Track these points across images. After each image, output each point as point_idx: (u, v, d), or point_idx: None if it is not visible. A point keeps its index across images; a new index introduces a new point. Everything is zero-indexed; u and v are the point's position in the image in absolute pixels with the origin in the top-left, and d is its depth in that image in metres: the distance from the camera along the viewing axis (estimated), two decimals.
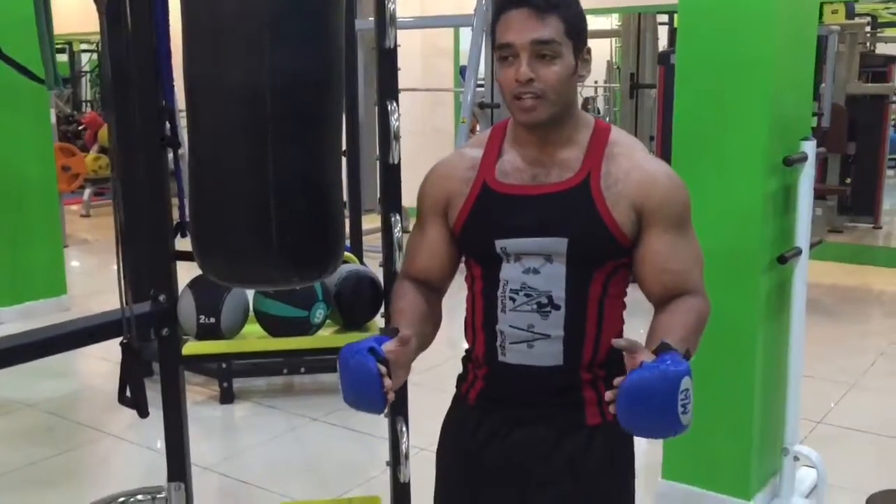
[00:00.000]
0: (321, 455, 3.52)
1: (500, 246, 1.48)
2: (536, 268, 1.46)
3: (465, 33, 7.07)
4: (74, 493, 3.08)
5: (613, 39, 9.68)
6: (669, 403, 1.23)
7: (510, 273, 1.48)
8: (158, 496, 2.42)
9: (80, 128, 10.12)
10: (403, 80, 8.10)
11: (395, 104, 2.28)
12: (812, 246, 2.87)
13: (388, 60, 2.29)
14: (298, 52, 1.65)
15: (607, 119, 10.22)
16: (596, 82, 10.84)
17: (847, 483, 3.06)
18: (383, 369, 1.34)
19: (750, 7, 2.58)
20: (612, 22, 9.47)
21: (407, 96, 7.33)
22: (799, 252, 2.78)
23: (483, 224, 1.50)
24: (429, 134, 7.86)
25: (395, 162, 2.28)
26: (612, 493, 1.57)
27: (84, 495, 2.58)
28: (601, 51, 10.64)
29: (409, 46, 7.23)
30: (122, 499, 2.42)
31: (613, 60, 10.11)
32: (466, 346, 1.59)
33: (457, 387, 1.65)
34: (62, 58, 11.81)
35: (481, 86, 6.52)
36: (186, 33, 1.73)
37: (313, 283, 1.76)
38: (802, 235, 2.79)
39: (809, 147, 2.75)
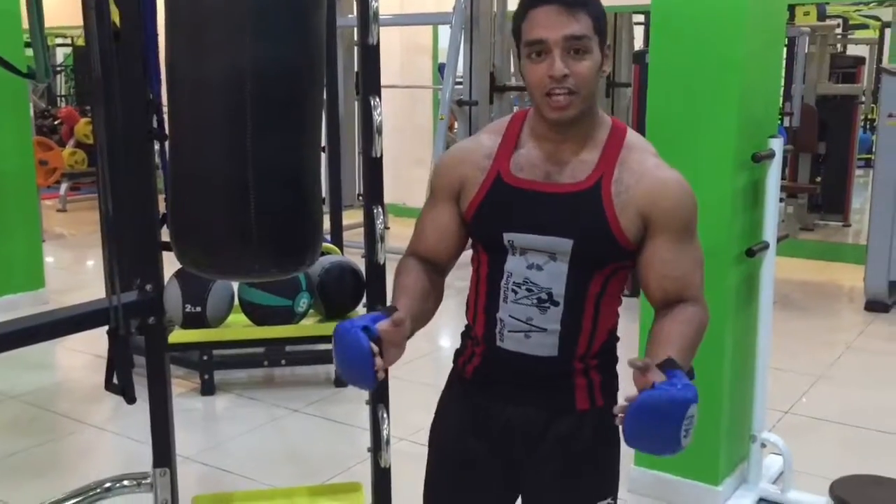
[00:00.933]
0: (302, 445, 3.58)
1: (507, 239, 1.51)
2: (540, 264, 1.49)
3: (444, 31, 7.14)
4: (56, 481, 3.11)
5: None
6: (674, 427, 1.28)
7: (514, 266, 1.51)
8: (144, 482, 2.47)
9: (55, 122, 10.06)
10: (383, 77, 8.08)
11: (377, 99, 2.34)
12: (779, 240, 2.97)
13: (371, 56, 2.35)
14: (279, 45, 1.65)
15: None
16: None
17: (812, 469, 3.17)
18: (375, 348, 1.37)
19: (721, 9, 2.67)
20: None
21: (386, 93, 7.39)
22: (766, 246, 2.87)
23: (493, 215, 1.52)
24: (407, 130, 7.92)
25: (378, 156, 2.34)
26: (598, 475, 1.62)
27: (66, 484, 2.62)
28: None
29: (389, 44, 7.26)
30: (108, 484, 2.45)
31: None
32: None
33: (454, 361, 1.68)
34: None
35: (460, 83, 6.58)
36: (169, 24, 1.73)
37: (291, 274, 1.79)
38: (770, 230, 2.89)
39: (777, 144, 2.84)
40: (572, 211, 1.48)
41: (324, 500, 2.68)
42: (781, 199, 7.94)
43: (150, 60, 2.29)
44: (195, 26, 1.72)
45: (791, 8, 7.33)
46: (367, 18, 2.28)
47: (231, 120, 1.68)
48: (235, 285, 2.44)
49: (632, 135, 1.54)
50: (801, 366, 4.52)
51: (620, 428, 1.33)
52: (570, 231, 1.47)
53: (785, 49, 8.41)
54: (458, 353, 1.68)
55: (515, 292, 1.51)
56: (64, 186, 8.87)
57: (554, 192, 1.49)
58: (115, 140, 2.41)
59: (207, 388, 4.01)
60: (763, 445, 3.04)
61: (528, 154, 1.53)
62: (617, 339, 1.61)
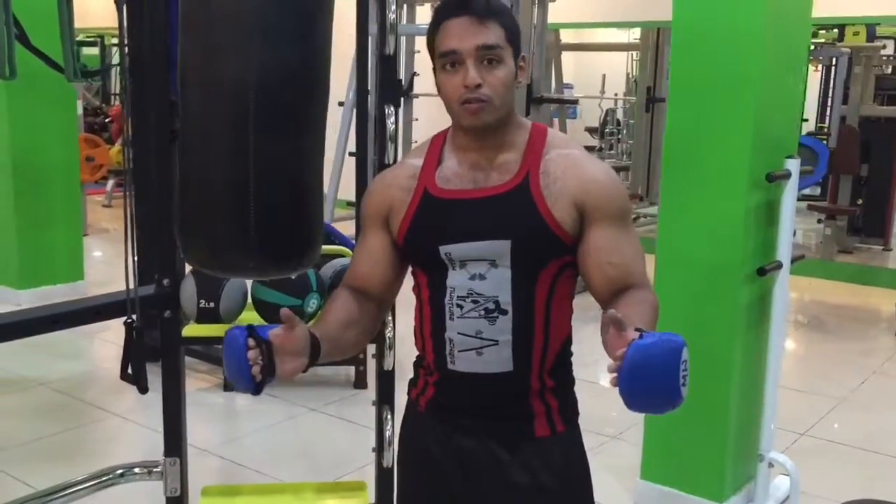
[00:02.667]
0: (316, 443, 3.65)
1: (444, 252, 1.48)
2: (482, 273, 1.46)
3: None
4: (78, 467, 3.20)
5: (632, 53, 9.77)
6: (672, 374, 1.19)
7: (456, 280, 1.48)
8: (155, 470, 2.55)
9: (106, 120, 10.34)
10: (422, 86, 8.24)
11: (391, 108, 2.41)
12: (794, 260, 2.97)
13: (387, 66, 2.42)
14: (284, 51, 1.72)
15: (624, 132, 10.30)
16: (616, 95, 10.92)
17: (822, 492, 3.15)
18: (252, 342, 1.31)
19: (737, 27, 2.69)
20: (629, 36, 9.57)
21: (423, 101, 7.48)
22: (780, 266, 2.87)
23: (426, 231, 1.50)
24: None
25: (391, 163, 2.41)
26: (571, 501, 1.58)
27: (87, 470, 2.70)
28: (620, 64, 10.73)
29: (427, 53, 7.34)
30: (120, 471, 2.54)
31: (632, 74, 10.19)
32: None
33: (408, 392, 1.64)
34: (93, 51, 12.05)
35: None
36: (182, 28, 1.82)
37: (290, 274, 1.84)
38: (784, 249, 2.88)
39: (793, 165, 2.84)
40: (504, 211, 1.46)
41: (328, 497, 2.74)
42: (819, 221, 7.91)
43: (175, 62, 2.38)
44: (205, 31, 1.79)
45: (841, 28, 7.26)
46: (385, 30, 2.35)
47: (234, 123, 1.75)
48: (249, 283, 2.52)
49: (553, 133, 1.54)
50: (825, 388, 4.49)
51: (620, 388, 1.20)
52: (506, 231, 1.45)
53: (827, 69, 8.34)
54: (411, 384, 1.64)
55: (461, 307, 1.47)
56: (110, 183, 9.10)
57: (483, 196, 1.48)
58: (142, 139, 2.52)
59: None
60: (771, 465, 3.03)
61: (452, 166, 1.52)
62: (571, 353, 1.57)
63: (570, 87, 10.87)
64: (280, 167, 1.74)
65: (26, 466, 3.27)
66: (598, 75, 10.77)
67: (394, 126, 2.39)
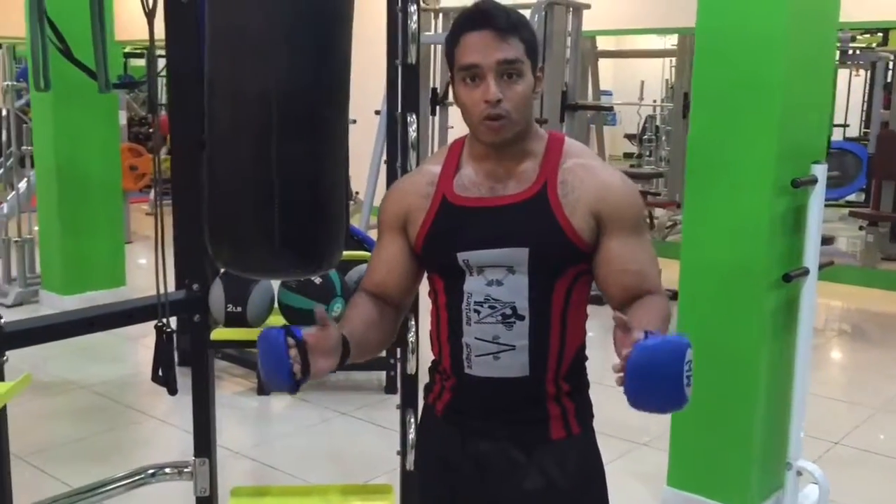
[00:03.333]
0: (346, 446, 3.70)
1: (462, 258, 1.49)
2: (499, 279, 1.48)
3: None
4: (116, 467, 3.28)
5: (671, 59, 9.71)
6: (676, 375, 1.23)
7: (474, 286, 1.49)
8: (185, 470, 2.62)
9: (150, 130, 10.55)
10: None
11: (413, 116, 2.45)
12: (821, 267, 2.94)
13: (409, 75, 2.46)
14: (305, 62, 1.76)
15: (662, 138, 10.23)
16: (655, 101, 10.87)
17: (853, 502, 3.11)
18: (291, 342, 1.35)
19: (760, 32, 2.68)
20: (666, 42, 9.52)
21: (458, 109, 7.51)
22: (806, 272, 2.85)
23: (444, 237, 1.52)
24: None
25: (410, 170, 2.45)
26: (587, 502, 1.60)
27: (122, 470, 2.79)
28: (659, 71, 10.67)
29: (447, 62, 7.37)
30: (151, 471, 2.61)
31: (670, 80, 10.13)
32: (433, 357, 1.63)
33: (424, 397, 1.67)
34: (141, 62, 12.31)
35: None
36: (209, 39, 1.89)
37: (312, 275, 1.90)
38: (811, 256, 2.86)
39: (820, 170, 2.82)
40: (523, 219, 1.48)
41: (355, 499, 2.78)
42: (861, 227, 7.77)
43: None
44: (229, 44, 1.86)
45: (885, 31, 7.15)
46: (407, 39, 2.39)
47: (258, 131, 1.81)
48: (276, 288, 2.58)
49: (570, 142, 1.55)
50: (862, 397, 4.43)
51: (625, 388, 1.25)
52: (524, 239, 1.47)
53: (872, 74, 8.21)
54: (427, 389, 1.66)
55: (478, 312, 1.49)
56: (154, 191, 9.29)
57: (501, 204, 1.50)
58: (176, 147, 2.60)
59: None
60: (800, 474, 3.00)
61: (469, 174, 1.54)
62: (586, 358, 1.59)
63: (609, 94, 10.84)
64: (302, 172, 1.80)
65: (65, 466, 3.37)
66: (637, 82, 10.73)
67: (415, 134, 2.44)
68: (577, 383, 1.57)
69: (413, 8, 2.38)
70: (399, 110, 2.50)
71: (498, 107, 1.44)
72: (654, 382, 1.24)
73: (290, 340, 1.35)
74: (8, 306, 5.57)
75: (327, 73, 1.85)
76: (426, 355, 1.71)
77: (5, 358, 2.06)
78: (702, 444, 2.99)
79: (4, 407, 2.03)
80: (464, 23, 1.47)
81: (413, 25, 2.38)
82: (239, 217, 1.84)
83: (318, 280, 2.45)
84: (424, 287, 1.66)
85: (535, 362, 1.50)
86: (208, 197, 1.95)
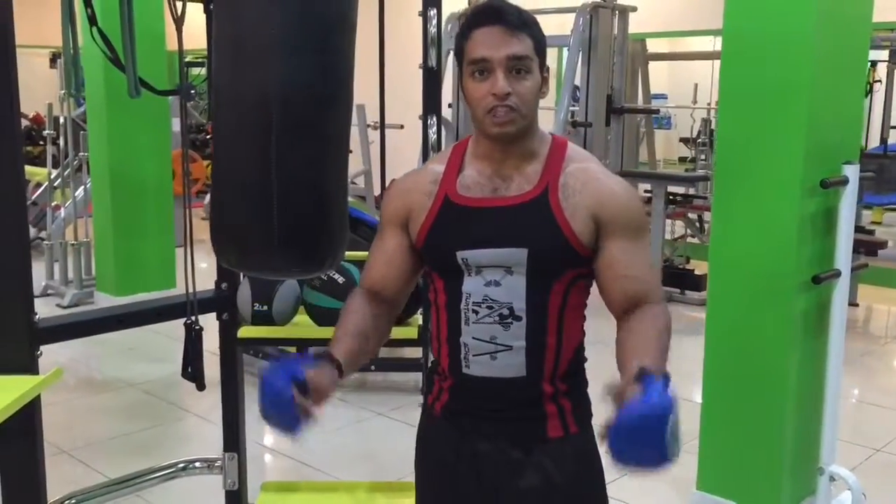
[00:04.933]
0: (379, 446, 3.75)
1: (461, 257, 1.51)
2: (497, 280, 1.49)
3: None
4: (157, 461, 3.41)
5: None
6: (658, 440, 1.24)
7: (472, 286, 1.51)
8: (215, 465, 2.70)
9: (207, 136, 10.80)
10: None
11: (434, 118, 2.50)
12: (855, 269, 2.89)
13: (431, 78, 2.51)
14: (303, 66, 1.80)
15: (716, 142, 10.09)
16: (708, 104, 10.71)
17: None
18: (298, 396, 1.35)
19: (789, 33, 2.66)
20: (716, 44, 9.39)
21: None
22: (837, 274, 2.81)
23: (445, 236, 1.53)
24: None
25: None
26: (584, 501, 1.60)
27: (162, 465, 2.89)
28: (709, 73, 10.52)
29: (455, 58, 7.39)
30: (182, 465, 2.70)
31: None
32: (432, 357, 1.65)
33: (423, 400, 1.70)
34: (198, 70, 12.61)
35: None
36: (212, 46, 1.95)
37: (312, 275, 1.94)
38: (843, 258, 2.82)
39: (851, 171, 2.78)
40: (523, 220, 1.49)
41: (380, 496, 2.83)
42: None
43: None
44: (231, 48, 1.90)
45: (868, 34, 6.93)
46: (427, 43, 2.44)
47: (258, 134, 1.85)
48: (300, 287, 2.65)
49: (572, 147, 1.56)
50: None
51: (609, 452, 1.28)
52: (523, 240, 1.48)
53: None
54: (427, 391, 1.68)
55: (476, 312, 1.51)
56: (208, 196, 9.51)
57: (503, 204, 1.51)
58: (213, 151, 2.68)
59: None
60: (833, 479, 2.95)
61: (473, 174, 1.55)
62: (585, 359, 1.60)
63: (663, 97, 10.73)
64: (301, 173, 1.83)
65: (108, 460, 3.49)
66: (691, 85, 10.59)
67: (436, 136, 2.48)
68: (574, 383, 1.58)
69: (433, 12, 2.43)
70: (423, 112, 2.55)
71: (505, 100, 1.45)
72: (636, 450, 1.27)
73: (296, 392, 1.35)
74: (64, 307, 5.77)
75: (326, 77, 1.89)
76: None
77: (39, 352, 2.14)
78: (731, 447, 2.96)
79: (39, 398, 2.11)
80: (475, 18, 1.49)
81: (433, 29, 2.42)
82: (241, 218, 1.89)
83: (340, 279, 2.52)
84: None
85: (532, 363, 1.51)
86: (212, 199, 2.02)
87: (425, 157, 2.50)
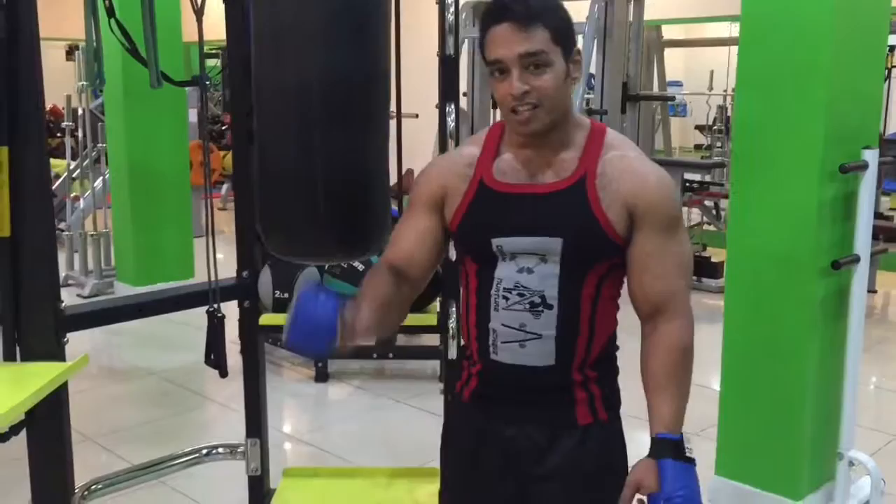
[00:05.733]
0: (399, 433, 3.79)
1: (496, 244, 1.49)
2: (531, 267, 1.48)
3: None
4: (179, 448, 3.45)
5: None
6: None
7: (504, 272, 1.50)
8: (237, 450, 2.73)
9: (223, 128, 10.84)
10: None
11: (452, 106, 2.50)
12: (874, 254, 2.89)
13: (449, 67, 2.51)
14: (343, 56, 1.87)
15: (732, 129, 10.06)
16: (724, 91, 10.66)
17: None
18: (340, 324, 1.39)
19: (807, 17, 2.65)
20: (733, 30, 9.33)
21: None
22: (857, 259, 2.80)
23: (480, 222, 1.52)
24: None
25: None
26: (606, 492, 1.56)
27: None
28: (725, 60, 10.47)
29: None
30: (205, 451, 2.73)
31: None
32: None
33: (452, 387, 1.69)
34: (215, 62, 12.65)
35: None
36: (254, 40, 2.00)
37: (356, 259, 1.99)
38: (862, 243, 2.81)
39: (871, 156, 2.77)
40: (559, 209, 1.47)
41: (401, 481, 2.85)
42: None
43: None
44: (273, 40, 1.98)
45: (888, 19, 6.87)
46: (444, 31, 2.45)
47: (302, 122, 1.92)
48: (321, 275, 2.67)
49: (612, 133, 1.54)
50: None
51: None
52: (559, 229, 1.46)
53: None
54: (456, 377, 1.68)
55: (507, 298, 1.49)
56: (225, 187, 9.56)
57: (539, 192, 1.49)
58: (235, 142, 2.71)
59: (321, 376, 4.30)
60: (852, 464, 2.95)
61: (509, 160, 1.53)
62: (616, 347, 1.59)
63: (679, 84, 10.68)
64: (344, 160, 1.89)
65: (132, 447, 3.53)
66: (707, 72, 10.53)
67: (454, 124, 2.48)
68: (604, 371, 1.57)
69: (451, 0, 2.43)
70: (440, 100, 2.55)
71: (524, 99, 1.43)
72: None
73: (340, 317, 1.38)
74: (85, 297, 5.83)
75: (364, 66, 1.94)
76: None
77: (66, 339, 2.18)
78: (751, 432, 2.97)
79: (66, 384, 2.15)
80: (487, 17, 1.47)
81: (450, 17, 2.42)
82: (287, 205, 1.95)
83: (361, 267, 2.54)
84: None
85: (562, 352, 1.50)
86: (260, 188, 2.06)
87: (443, 145, 2.51)
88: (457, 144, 2.50)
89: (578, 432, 1.54)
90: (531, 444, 1.55)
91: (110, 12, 2.39)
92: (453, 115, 2.49)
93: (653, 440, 1.46)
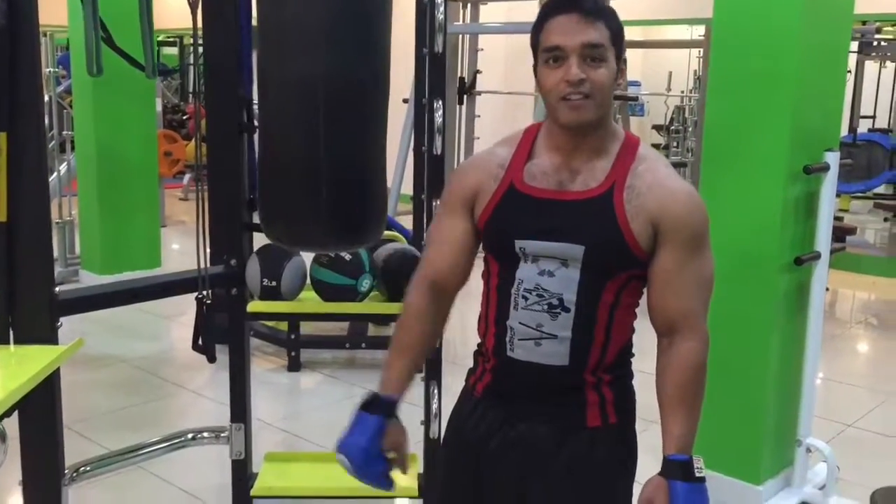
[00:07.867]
0: None
1: (519, 246, 1.51)
2: (552, 270, 1.50)
3: None
4: (153, 434, 3.48)
5: (699, 49, 9.73)
6: None
7: (526, 273, 1.52)
8: (222, 434, 2.78)
9: (184, 117, 10.78)
10: (486, 83, 8.35)
11: (439, 102, 2.59)
12: (833, 252, 3.04)
13: (436, 64, 2.60)
14: (346, 53, 1.94)
15: (690, 129, 10.27)
16: (682, 92, 10.90)
17: (861, 480, 3.21)
18: (387, 464, 1.61)
19: (775, 26, 2.78)
20: (692, 32, 9.54)
21: (486, 98, 7.63)
22: (818, 256, 2.95)
23: (505, 223, 1.54)
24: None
25: (439, 153, 2.59)
26: (612, 495, 1.60)
27: (160, 437, 2.96)
28: (686, 61, 10.70)
29: (493, 50, 7.52)
30: (189, 435, 2.78)
31: (698, 71, 10.15)
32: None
33: (466, 380, 1.69)
34: (173, 50, 12.54)
35: None
36: (259, 35, 2.07)
37: (354, 248, 2.07)
38: (823, 240, 2.96)
39: (832, 158, 2.92)
40: (584, 217, 1.49)
41: None
42: (886, 219, 7.78)
43: (244, 63, 2.60)
44: (279, 36, 2.03)
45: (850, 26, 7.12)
46: (433, 29, 2.53)
47: (306, 116, 1.98)
48: (308, 264, 2.74)
49: (644, 147, 1.55)
50: (879, 384, 4.52)
51: None
52: (582, 237, 1.48)
53: None
54: (470, 372, 1.68)
55: (526, 298, 1.52)
56: (187, 177, 9.50)
57: (566, 199, 1.50)
58: (213, 132, 2.76)
59: (294, 365, 4.35)
60: (809, 451, 3.10)
61: (541, 164, 1.54)
62: (632, 354, 1.61)
63: (636, 84, 10.87)
64: (346, 154, 1.97)
65: (106, 433, 3.55)
66: (666, 72, 10.75)
67: (441, 119, 2.57)
68: (619, 374, 1.59)
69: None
70: (426, 97, 2.64)
71: (579, 87, 1.43)
72: None
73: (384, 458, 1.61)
74: None
75: (367, 62, 2.01)
76: (466, 338, 1.80)
77: (60, 324, 2.21)
78: (713, 420, 3.05)
79: (58, 370, 2.18)
80: (552, 7, 1.49)
81: (440, 16, 2.51)
82: (290, 194, 2.01)
83: (347, 257, 2.60)
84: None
85: (576, 354, 1.52)
86: (261, 178, 2.12)
87: (430, 139, 2.59)
88: (443, 140, 2.59)
89: (587, 434, 1.56)
90: (539, 442, 1.57)
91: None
92: (441, 111, 2.57)
93: (664, 460, 1.50)
